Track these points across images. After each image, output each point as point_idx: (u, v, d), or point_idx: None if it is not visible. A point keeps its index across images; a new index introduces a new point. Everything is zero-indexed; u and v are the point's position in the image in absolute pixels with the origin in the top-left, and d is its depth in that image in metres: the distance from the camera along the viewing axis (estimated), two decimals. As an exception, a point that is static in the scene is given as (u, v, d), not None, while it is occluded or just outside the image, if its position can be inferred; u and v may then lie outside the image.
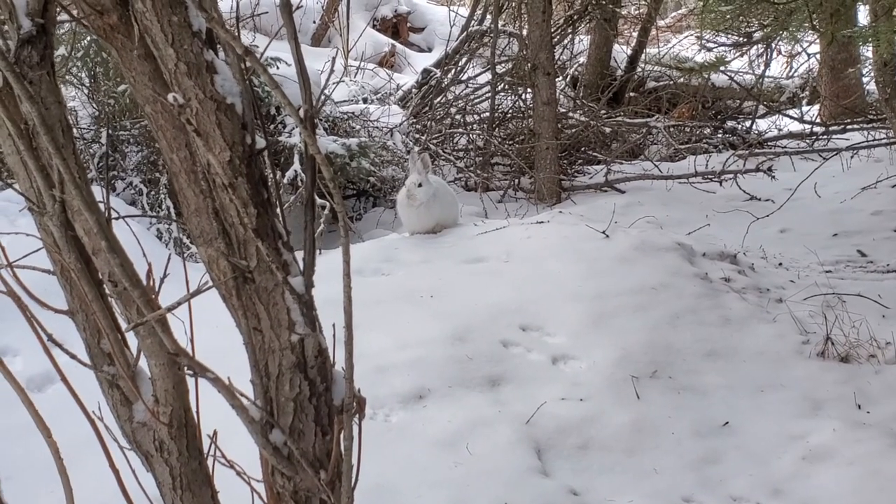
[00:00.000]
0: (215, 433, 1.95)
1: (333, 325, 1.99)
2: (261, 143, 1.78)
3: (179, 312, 1.96)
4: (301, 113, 1.74)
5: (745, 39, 7.06)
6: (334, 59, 7.60)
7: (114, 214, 1.94)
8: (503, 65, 10.59)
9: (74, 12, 1.78)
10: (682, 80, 12.31)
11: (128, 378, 1.80)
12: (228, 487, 1.99)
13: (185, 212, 1.81)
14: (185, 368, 1.78)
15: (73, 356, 1.82)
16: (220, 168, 1.69)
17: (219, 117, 1.73)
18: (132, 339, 1.90)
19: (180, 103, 1.61)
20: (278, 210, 1.85)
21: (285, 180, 7.18)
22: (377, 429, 4.21)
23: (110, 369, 1.83)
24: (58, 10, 1.86)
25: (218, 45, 1.80)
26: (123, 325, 1.82)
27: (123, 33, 1.76)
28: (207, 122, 1.72)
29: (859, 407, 4.46)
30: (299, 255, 5.60)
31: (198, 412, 1.93)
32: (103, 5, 1.72)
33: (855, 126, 10.21)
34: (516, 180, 9.57)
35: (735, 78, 11.84)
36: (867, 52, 9.22)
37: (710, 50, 7.72)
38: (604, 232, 5.95)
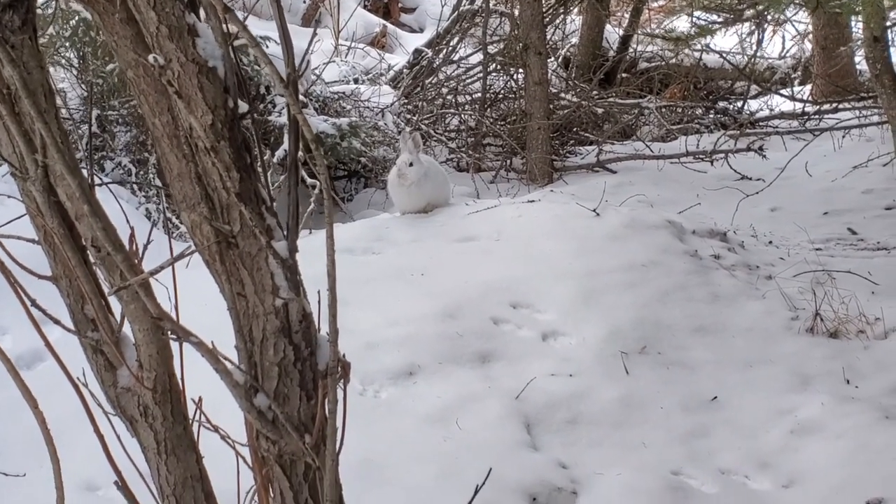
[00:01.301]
0: (200, 399, 1.95)
1: (318, 293, 1.98)
2: (243, 107, 1.78)
3: (164, 279, 1.96)
4: (284, 76, 1.74)
5: (736, 16, 7.04)
6: (317, 21, 7.54)
7: (97, 181, 1.93)
8: (495, 45, 10.55)
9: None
10: (673, 60, 12.29)
11: (112, 343, 1.80)
12: (214, 454, 1.99)
13: (168, 177, 1.80)
14: (169, 333, 1.78)
15: (56, 321, 1.82)
16: (202, 131, 1.69)
17: (200, 80, 1.72)
18: (116, 307, 1.89)
19: (161, 64, 1.60)
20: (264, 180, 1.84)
21: (275, 160, 7.15)
22: (366, 405, 4.21)
23: (94, 335, 1.83)
24: (38, -27, 1.84)
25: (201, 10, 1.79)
26: (107, 292, 1.82)
27: (105, -3, 1.75)
28: (189, 86, 1.71)
29: (848, 382, 4.48)
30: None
31: (183, 378, 1.93)
32: (84, -32, 1.71)
33: (847, 106, 10.21)
34: (508, 161, 9.55)
35: (727, 58, 11.82)
36: (859, 31, 9.21)
37: (700, 28, 7.71)
38: (594, 210, 5.95)
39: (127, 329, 1.87)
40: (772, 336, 4.92)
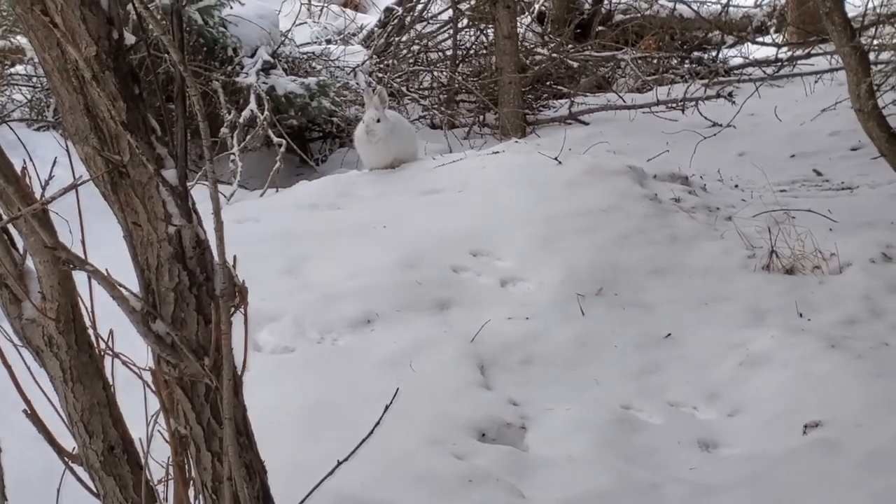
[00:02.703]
0: (111, 332, 2.00)
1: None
2: (130, 38, 1.81)
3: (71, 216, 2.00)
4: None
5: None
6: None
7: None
8: (466, 1, 10.52)
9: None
10: (648, 11, 12.25)
11: (13, 277, 1.84)
12: (125, 381, 2.04)
13: (62, 110, 1.84)
14: (68, 263, 1.82)
15: (-41, 257, 1.86)
16: (84, 62, 1.72)
17: (83, 12, 1.75)
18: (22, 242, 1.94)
19: (32, -7, 1.63)
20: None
21: (241, 120, 7.17)
22: (324, 352, 4.28)
23: (-2, 269, 1.87)
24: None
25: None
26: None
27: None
28: (72, 17, 1.75)
29: (801, 315, 4.54)
30: (257, 192, 5.53)
31: (92, 308, 1.98)
32: None
33: (819, 51, 10.19)
34: (481, 116, 9.56)
35: (701, 8, 11.80)
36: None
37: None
38: (556, 158, 5.98)
39: (31, 262, 1.91)
40: (728, 274, 4.97)
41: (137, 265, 1.85)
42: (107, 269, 1.77)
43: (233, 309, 1.83)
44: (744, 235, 5.25)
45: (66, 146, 1.97)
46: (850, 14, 6.84)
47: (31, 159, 1.92)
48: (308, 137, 9.12)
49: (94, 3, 1.75)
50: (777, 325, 4.42)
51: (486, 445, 3.57)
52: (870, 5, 8.91)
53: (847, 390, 3.68)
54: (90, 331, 1.95)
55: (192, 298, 1.84)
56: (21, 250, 1.91)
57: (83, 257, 1.84)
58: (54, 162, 1.95)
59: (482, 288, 4.89)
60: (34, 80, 8.59)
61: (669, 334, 4.46)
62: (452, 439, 3.54)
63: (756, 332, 4.40)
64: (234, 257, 1.86)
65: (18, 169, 1.88)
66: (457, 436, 3.58)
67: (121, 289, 1.77)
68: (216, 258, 1.87)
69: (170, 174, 1.81)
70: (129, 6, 1.90)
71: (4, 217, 1.88)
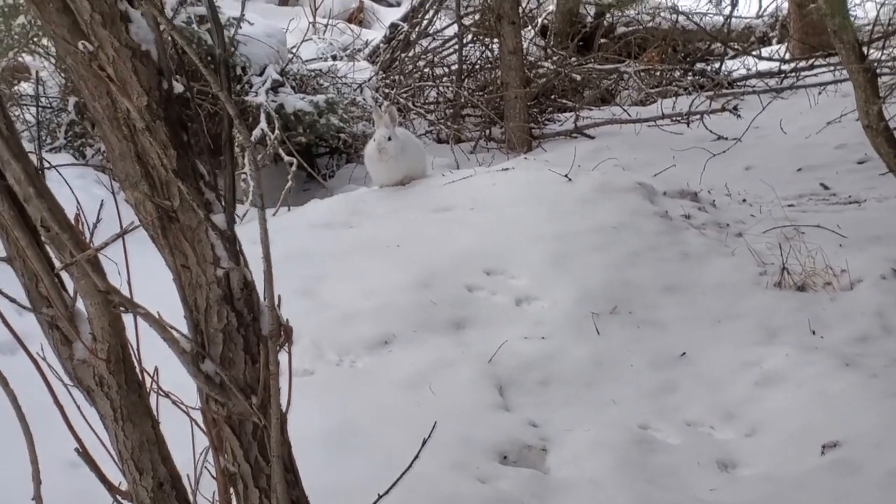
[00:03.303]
0: (156, 370, 2.05)
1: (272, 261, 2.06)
2: (178, 87, 1.86)
3: (116, 255, 2.05)
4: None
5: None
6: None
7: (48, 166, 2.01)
8: (470, 16, 10.60)
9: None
10: (651, 24, 12.33)
11: (65, 319, 1.89)
12: (173, 419, 2.09)
13: (111, 157, 1.90)
14: (119, 306, 1.87)
15: (12, 300, 1.91)
16: (137, 113, 1.77)
17: (135, 64, 1.81)
18: (71, 283, 1.99)
19: (90, 50, 1.68)
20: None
21: (252, 139, 7.23)
22: (343, 374, 4.33)
23: (49, 311, 1.92)
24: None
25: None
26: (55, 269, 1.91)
27: (40, -13, 1.83)
28: (124, 69, 1.80)
29: (813, 332, 4.58)
30: (270, 211, 5.60)
31: (138, 348, 2.03)
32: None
33: (822, 63, 10.26)
34: (487, 131, 9.62)
35: (703, 20, 11.88)
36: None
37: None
38: (566, 175, 6.03)
39: (81, 304, 1.96)
40: (740, 291, 5.01)
41: (186, 306, 1.90)
42: (158, 313, 1.82)
43: (278, 348, 1.88)
44: (755, 252, 5.29)
45: (112, 187, 2.02)
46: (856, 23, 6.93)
47: (78, 204, 1.97)
48: (315, 153, 9.18)
49: (144, 55, 1.81)
50: (791, 342, 4.46)
51: (508, 468, 3.62)
52: (872, 15, 9.02)
53: (863, 410, 3.72)
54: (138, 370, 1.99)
55: (240, 339, 1.89)
56: (71, 292, 1.95)
57: (132, 298, 1.89)
58: (101, 205, 2.01)
59: (497, 307, 4.94)
60: (43, 99, 8.63)
61: (684, 353, 4.51)
62: (475, 462, 3.59)
63: (770, 349, 4.44)
64: (279, 297, 1.90)
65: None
66: (479, 459, 3.62)
67: (172, 331, 1.82)
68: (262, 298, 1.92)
69: (218, 219, 1.86)
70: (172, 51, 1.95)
71: (56, 261, 1.93)
